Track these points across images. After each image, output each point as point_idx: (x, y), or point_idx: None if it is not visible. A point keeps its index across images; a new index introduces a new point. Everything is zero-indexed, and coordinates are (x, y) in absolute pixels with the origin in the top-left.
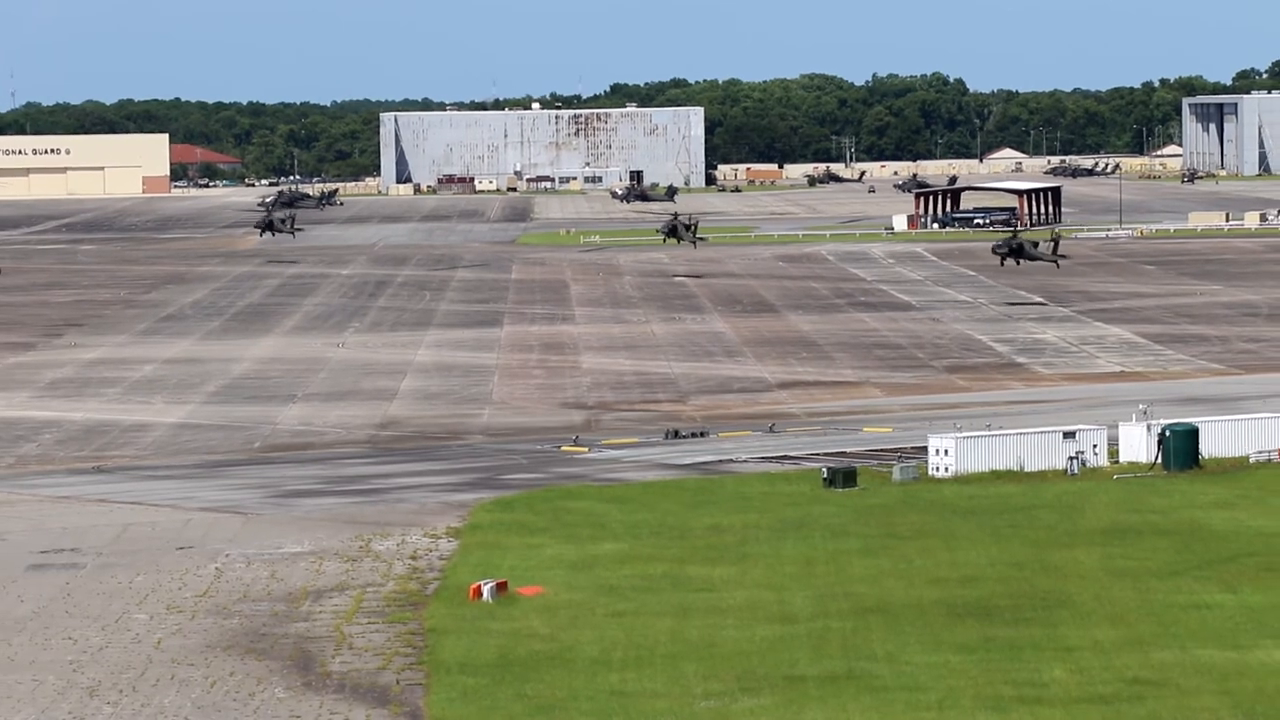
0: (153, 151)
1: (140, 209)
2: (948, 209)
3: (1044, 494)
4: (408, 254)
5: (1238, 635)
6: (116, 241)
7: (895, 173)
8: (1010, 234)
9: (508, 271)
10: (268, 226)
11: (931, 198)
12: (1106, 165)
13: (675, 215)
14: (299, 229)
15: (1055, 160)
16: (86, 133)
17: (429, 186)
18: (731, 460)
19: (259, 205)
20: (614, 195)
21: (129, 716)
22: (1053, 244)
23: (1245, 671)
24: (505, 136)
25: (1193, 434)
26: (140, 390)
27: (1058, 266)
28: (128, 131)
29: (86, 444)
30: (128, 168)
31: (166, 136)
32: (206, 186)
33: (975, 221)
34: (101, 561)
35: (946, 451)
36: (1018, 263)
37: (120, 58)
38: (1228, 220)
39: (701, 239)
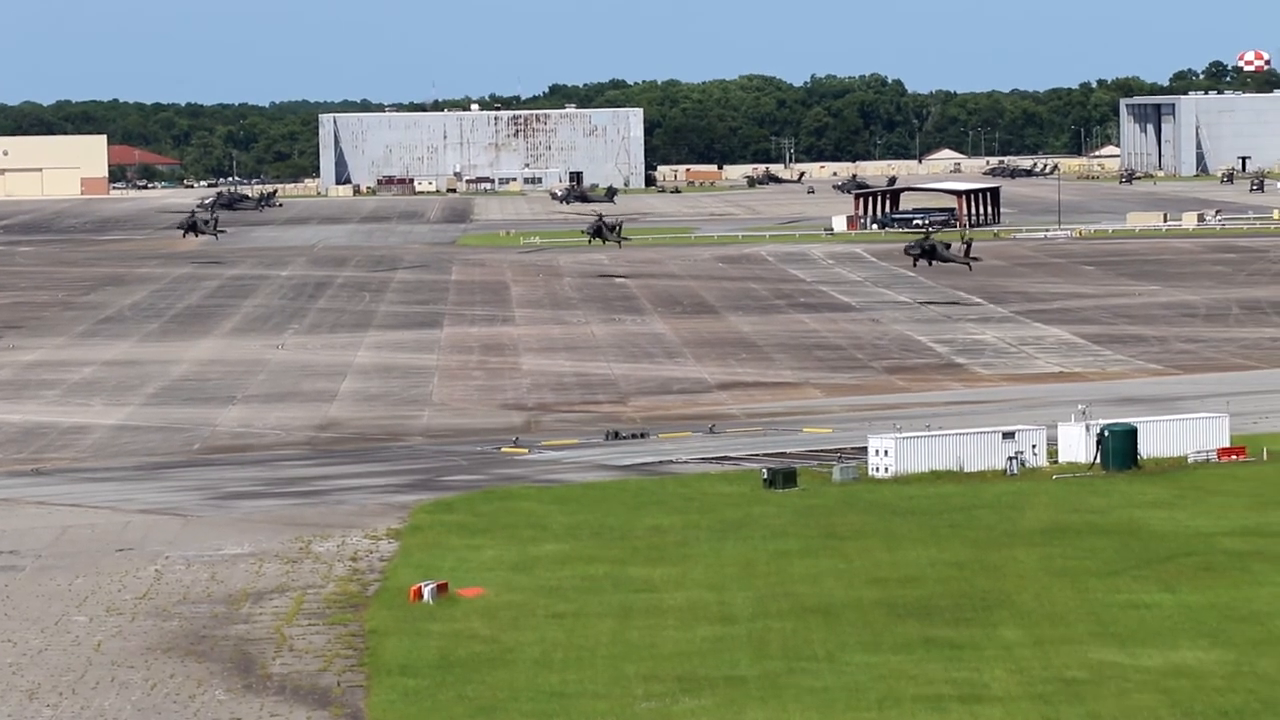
0: (91, 153)
1: (78, 210)
2: (887, 210)
3: (983, 494)
4: (347, 255)
5: (1176, 635)
6: (55, 243)
7: (834, 173)
8: (923, 235)
9: (447, 273)
10: (191, 227)
11: (870, 198)
12: (1045, 166)
13: (600, 216)
14: (222, 230)
15: (994, 161)
16: (24, 134)
17: (368, 188)
18: (672, 461)
19: (198, 206)
20: (554, 196)
21: (69, 719)
22: (965, 246)
23: (1183, 671)
24: (444, 138)
25: (1131, 434)
26: (79, 392)
27: (970, 269)
28: (65, 133)
29: (25, 446)
30: (66, 169)
31: (104, 138)
32: (145, 188)
33: (914, 222)
34: (40, 564)
35: (886, 452)
36: (930, 264)
37: (57, 59)
38: (1165, 221)
39: (626, 239)
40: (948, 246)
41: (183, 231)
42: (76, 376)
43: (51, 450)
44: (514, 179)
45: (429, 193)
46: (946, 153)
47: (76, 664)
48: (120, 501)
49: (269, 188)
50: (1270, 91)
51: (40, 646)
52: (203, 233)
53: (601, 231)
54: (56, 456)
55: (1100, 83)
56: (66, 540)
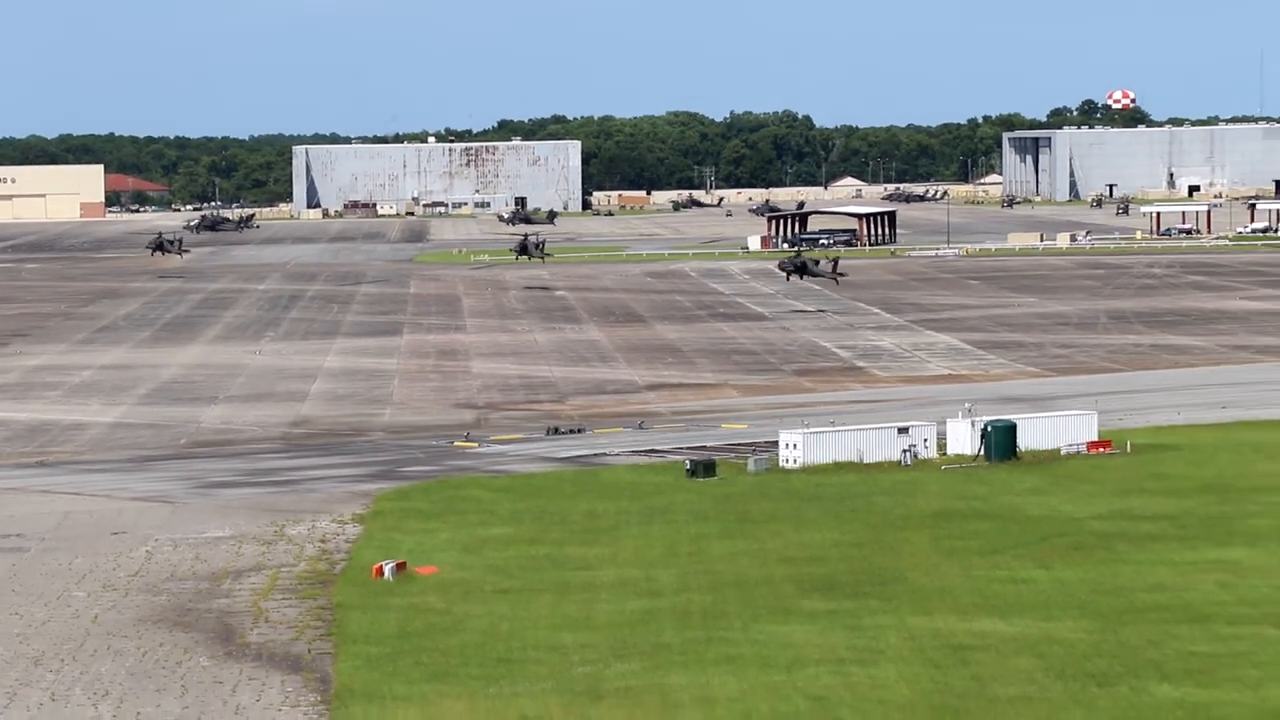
0: (89, 181)
1: (78, 232)
2: (796, 230)
3: (881, 482)
4: (317, 271)
5: (1050, 606)
6: (57, 261)
7: (750, 199)
8: (794, 253)
9: (406, 287)
10: (158, 247)
11: (782, 220)
12: (936, 192)
13: (525, 235)
14: (186, 250)
15: (891, 187)
16: (30, 164)
17: (336, 211)
18: (605, 454)
19: (186, 228)
20: (501, 219)
21: (69, 683)
22: (832, 263)
23: (1056, 638)
24: (404, 167)
25: (1011, 429)
26: (79, 393)
27: (836, 283)
28: (67, 163)
29: (31, 441)
30: (67, 195)
31: (101, 167)
32: (137, 212)
33: (820, 242)
34: (44, 545)
35: (795, 445)
36: (801, 278)
37: (60, 96)
38: (1042, 240)
39: (549, 255)
40: (816, 263)
41: (150, 250)
42: (76, 379)
43: (54, 445)
44: (466, 203)
45: (390, 216)
46: (849, 180)
47: (76, 634)
48: (115, 490)
49: (247, 211)
50: (1135, 127)
51: (44, 619)
52: (169, 251)
53: (527, 249)
54: (59, 450)
55: (985, 118)
56: (67, 524)
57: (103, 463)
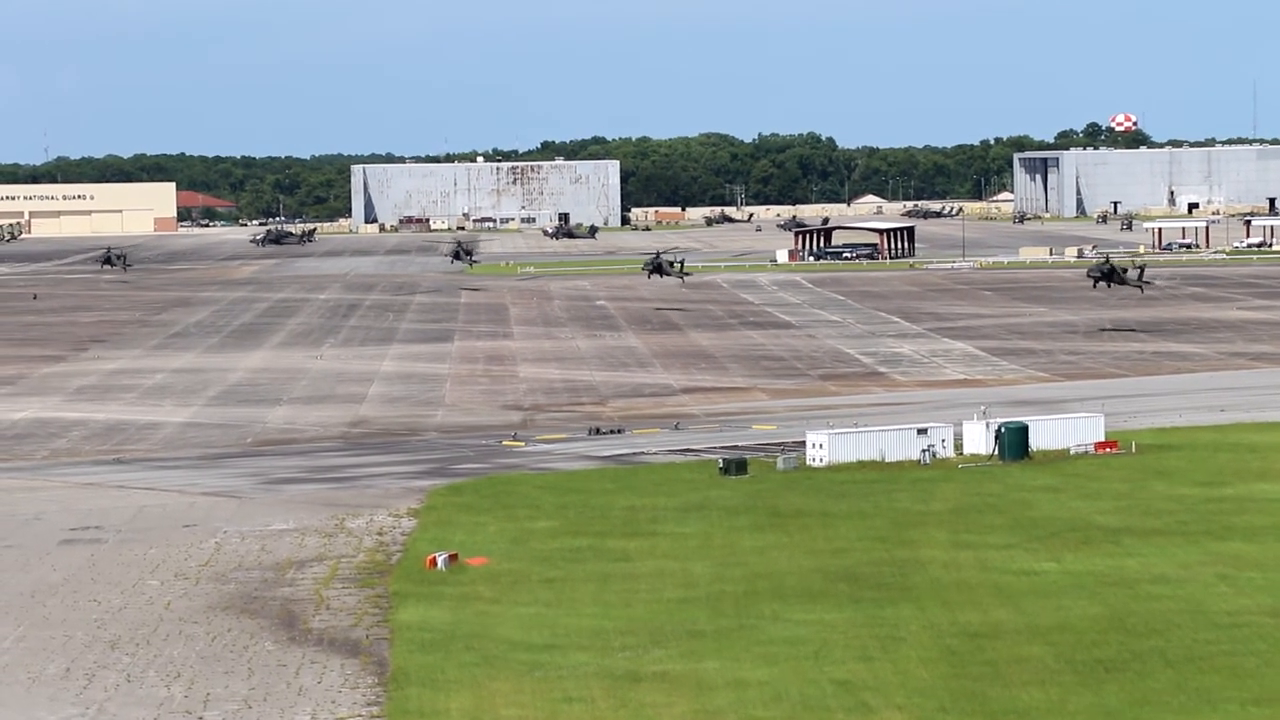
0: (162, 197)
1: (152, 244)
2: (821, 245)
3: (901, 480)
4: (374, 282)
5: (1060, 596)
6: (132, 272)
7: (778, 215)
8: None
9: (457, 296)
10: (106, 260)
11: (808, 235)
12: (952, 209)
13: (459, 242)
14: (130, 265)
15: (909, 204)
16: (107, 181)
17: (392, 226)
18: (643, 453)
19: (251, 241)
20: (545, 233)
21: (144, 665)
22: (679, 264)
23: (1066, 626)
24: (455, 185)
25: (1023, 430)
26: (153, 395)
27: (682, 281)
28: (142, 180)
29: (108, 439)
30: (142, 210)
31: (174, 184)
32: (207, 226)
33: (844, 255)
34: (121, 537)
35: (821, 445)
36: (661, 276)
37: (135, 118)
38: (1051, 254)
39: (477, 260)
40: (671, 264)
41: (100, 264)
42: (150, 382)
43: (130, 443)
44: (512, 219)
45: (442, 230)
46: (870, 198)
47: (150, 619)
48: (187, 485)
49: (309, 226)
50: (1137, 148)
51: (120, 605)
52: (114, 265)
53: (459, 254)
54: (134, 448)
55: (997, 140)
56: (142, 517)
57: (175, 460)
